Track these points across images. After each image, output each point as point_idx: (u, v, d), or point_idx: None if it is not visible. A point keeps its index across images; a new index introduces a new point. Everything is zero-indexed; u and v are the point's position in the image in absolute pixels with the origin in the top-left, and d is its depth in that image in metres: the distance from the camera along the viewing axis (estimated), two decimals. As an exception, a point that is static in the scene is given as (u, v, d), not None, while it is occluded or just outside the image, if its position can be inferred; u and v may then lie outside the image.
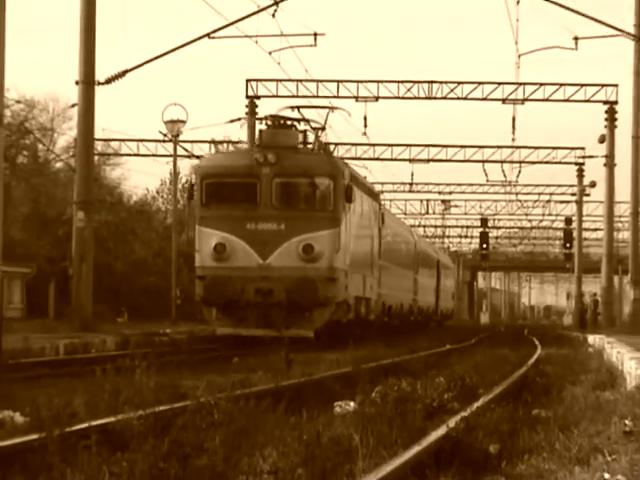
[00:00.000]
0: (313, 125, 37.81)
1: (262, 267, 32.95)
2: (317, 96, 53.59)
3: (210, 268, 33.61)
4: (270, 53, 41.32)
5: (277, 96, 54.58)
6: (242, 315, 33.24)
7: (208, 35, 35.88)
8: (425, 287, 62.90)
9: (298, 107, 38.90)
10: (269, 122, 36.43)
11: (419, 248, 60.12)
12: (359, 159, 62.59)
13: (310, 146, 36.95)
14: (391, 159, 66.36)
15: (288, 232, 33.22)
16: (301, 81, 53.49)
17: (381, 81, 54.34)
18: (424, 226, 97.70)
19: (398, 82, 54.31)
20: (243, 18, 37.09)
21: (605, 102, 53.54)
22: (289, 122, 36.58)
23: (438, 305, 68.21)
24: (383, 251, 44.34)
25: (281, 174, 34.04)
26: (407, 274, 55.10)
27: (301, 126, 36.76)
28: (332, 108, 39.86)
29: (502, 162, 65.02)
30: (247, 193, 34.66)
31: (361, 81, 54.40)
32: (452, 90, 53.67)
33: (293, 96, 53.63)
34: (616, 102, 53.12)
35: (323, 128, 38.26)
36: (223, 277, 32.46)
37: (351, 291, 35.81)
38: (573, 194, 72.48)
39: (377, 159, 65.33)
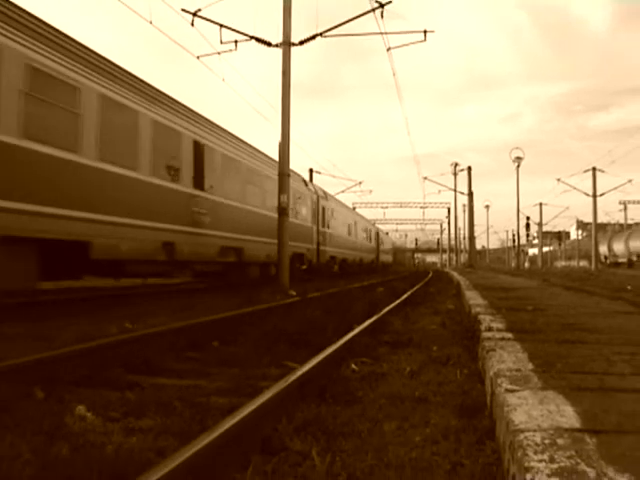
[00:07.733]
0: None
1: None
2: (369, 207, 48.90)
3: None
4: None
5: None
6: None
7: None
8: (356, 246, 26.85)
9: None
10: None
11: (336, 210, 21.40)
12: (386, 224, 58.09)
13: None
14: (397, 224, 64.12)
15: None
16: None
17: (388, 202, 52.28)
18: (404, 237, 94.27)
19: (394, 202, 52.31)
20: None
21: (448, 208, 52.79)
22: None
23: (379, 259, 34.65)
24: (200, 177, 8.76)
25: None
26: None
27: None
28: None
29: (424, 224, 65.88)
30: None
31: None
32: (415, 205, 51.96)
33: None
34: (449, 208, 52.35)
35: None
36: None
37: None
38: (441, 232, 73.01)
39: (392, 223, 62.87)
